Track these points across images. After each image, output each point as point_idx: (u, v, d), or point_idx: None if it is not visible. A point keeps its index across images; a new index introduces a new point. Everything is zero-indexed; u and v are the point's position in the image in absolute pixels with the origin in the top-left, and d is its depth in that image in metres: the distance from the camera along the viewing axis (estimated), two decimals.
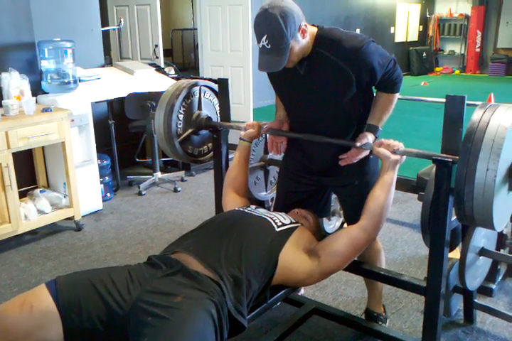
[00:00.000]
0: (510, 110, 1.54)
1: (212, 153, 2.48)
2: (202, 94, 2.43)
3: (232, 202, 2.11)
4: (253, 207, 2.00)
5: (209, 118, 2.39)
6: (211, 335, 1.40)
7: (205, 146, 2.51)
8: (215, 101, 2.50)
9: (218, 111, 2.46)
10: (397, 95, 1.94)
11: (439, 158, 1.66)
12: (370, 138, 1.89)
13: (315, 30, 1.83)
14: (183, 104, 2.33)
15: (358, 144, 1.87)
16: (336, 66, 1.80)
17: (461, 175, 1.52)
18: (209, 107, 2.47)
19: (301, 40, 1.75)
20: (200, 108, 2.42)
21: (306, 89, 1.91)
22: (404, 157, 1.82)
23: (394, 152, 1.79)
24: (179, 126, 2.33)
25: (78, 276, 1.55)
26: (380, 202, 1.79)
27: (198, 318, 1.38)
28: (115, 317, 1.42)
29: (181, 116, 2.33)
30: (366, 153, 1.93)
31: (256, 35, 1.73)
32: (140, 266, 1.61)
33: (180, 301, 1.41)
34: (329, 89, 1.87)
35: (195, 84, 2.38)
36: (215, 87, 2.44)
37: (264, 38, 1.69)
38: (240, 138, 2.20)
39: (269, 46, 1.69)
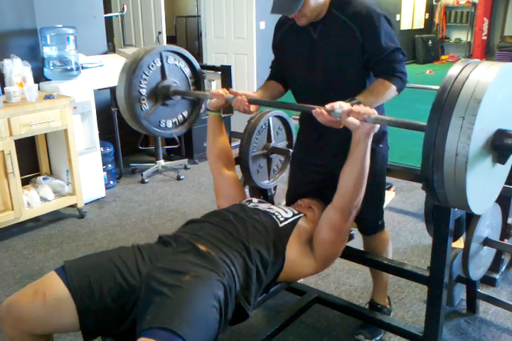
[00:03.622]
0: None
1: (190, 120, 2.26)
2: (164, 61, 2.12)
3: (227, 183, 2.05)
4: (255, 200, 1.99)
5: (171, 86, 2.12)
6: (213, 316, 1.38)
7: (180, 115, 2.26)
8: (182, 64, 2.20)
9: (189, 75, 2.23)
10: (394, 89, 1.82)
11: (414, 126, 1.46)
12: (342, 104, 1.62)
13: None
14: (143, 77, 2.07)
15: (328, 107, 1.63)
16: (348, 29, 1.80)
17: (430, 143, 1.32)
18: (176, 73, 2.18)
19: None
20: (164, 77, 2.13)
21: (319, 56, 1.88)
22: (378, 126, 1.59)
23: (364, 121, 1.57)
24: (143, 102, 2.10)
25: (87, 259, 1.55)
26: (351, 179, 1.68)
27: (201, 299, 1.37)
28: (126, 293, 1.42)
29: (144, 91, 2.08)
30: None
31: None
32: (150, 245, 1.60)
33: (188, 280, 1.40)
34: (341, 54, 1.85)
35: (152, 52, 2.08)
36: (179, 49, 2.17)
37: None
38: (207, 109, 2.06)
39: None
